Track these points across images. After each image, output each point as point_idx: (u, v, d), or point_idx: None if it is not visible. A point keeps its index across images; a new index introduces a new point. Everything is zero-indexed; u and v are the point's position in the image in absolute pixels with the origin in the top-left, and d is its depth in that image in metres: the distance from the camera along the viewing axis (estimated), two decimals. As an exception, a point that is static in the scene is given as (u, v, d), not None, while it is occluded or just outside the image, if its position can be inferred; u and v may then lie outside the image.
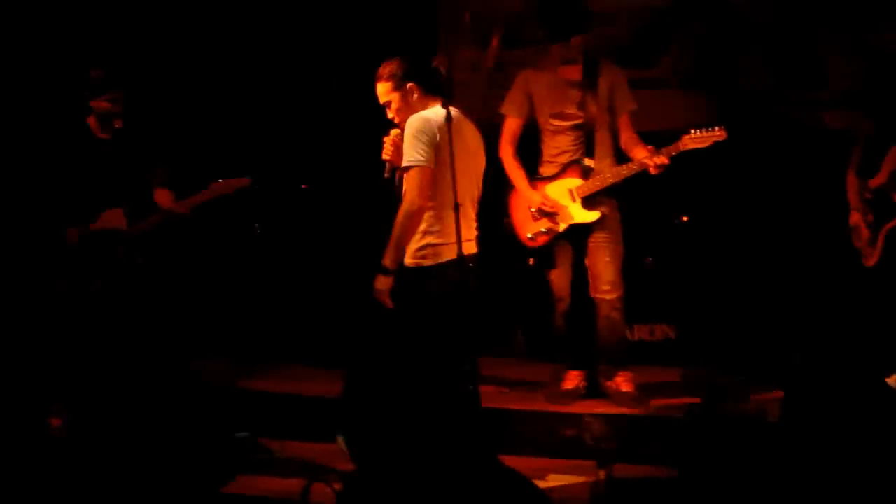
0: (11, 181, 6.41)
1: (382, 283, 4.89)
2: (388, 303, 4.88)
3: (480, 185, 5.15)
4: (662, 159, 5.59)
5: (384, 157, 5.13)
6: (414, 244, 4.94)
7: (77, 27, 7.10)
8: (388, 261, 4.88)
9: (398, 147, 5.05)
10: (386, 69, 5.08)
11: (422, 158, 4.83)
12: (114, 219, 6.02)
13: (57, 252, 5.95)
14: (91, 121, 6.04)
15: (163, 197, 6.10)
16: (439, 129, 4.85)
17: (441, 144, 4.82)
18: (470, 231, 5.05)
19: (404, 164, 4.87)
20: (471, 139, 5.08)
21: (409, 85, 5.07)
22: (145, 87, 6.59)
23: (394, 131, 5.12)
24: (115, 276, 6.00)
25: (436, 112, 4.90)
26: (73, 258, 5.94)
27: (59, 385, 6.03)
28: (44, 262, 6.01)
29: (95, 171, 5.99)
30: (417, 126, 4.89)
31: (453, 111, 4.88)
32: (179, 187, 6.13)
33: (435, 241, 4.92)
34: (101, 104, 5.98)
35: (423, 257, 4.94)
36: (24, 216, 6.17)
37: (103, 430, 5.76)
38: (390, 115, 5.12)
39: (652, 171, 5.63)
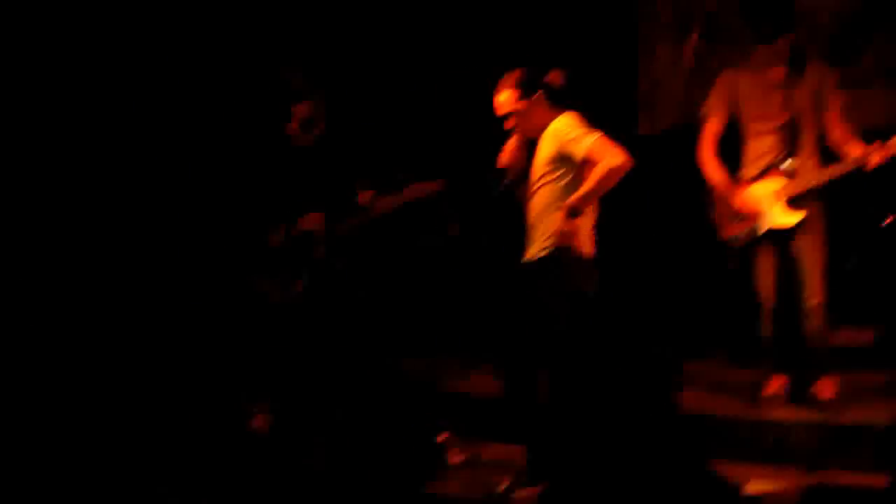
0: (216, 185, 6.62)
1: (569, 225, 5.00)
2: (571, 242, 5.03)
3: None
4: (884, 156, 5.42)
5: (503, 164, 5.21)
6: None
7: (277, 35, 7.27)
8: (581, 205, 5.00)
9: (517, 154, 5.18)
10: (512, 78, 5.21)
11: (596, 132, 5.01)
12: (315, 221, 6.15)
13: (261, 255, 6.12)
14: (292, 125, 6.19)
15: (366, 198, 6.22)
16: None
17: None
18: None
19: (585, 143, 4.99)
20: None
21: (537, 94, 5.18)
22: (345, 92, 6.70)
23: (513, 139, 5.24)
24: (316, 278, 6.13)
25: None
26: (277, 261, 6.09)
27: (262, 385, 6.21)
28: (248, 265, 6.18)
29: (296, 174, 6.14)
30: (574, 121, 5.11)
31: None
32: (380, 189, 6.25)
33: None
34: (302, 109, 6.12)
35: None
36: (229, 221, 6.35)
37: (306, 430, 5.93)
38: (511, 124, 5.24)
39: (868, 168, 5.47)
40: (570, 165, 5.12)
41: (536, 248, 5.23)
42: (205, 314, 6.77)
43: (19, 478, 5.27)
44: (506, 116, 5.24)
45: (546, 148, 5.19)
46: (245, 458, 5.70)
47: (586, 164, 5.05)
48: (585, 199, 4.99)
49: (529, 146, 5.32)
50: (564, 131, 5.10)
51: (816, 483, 5.23)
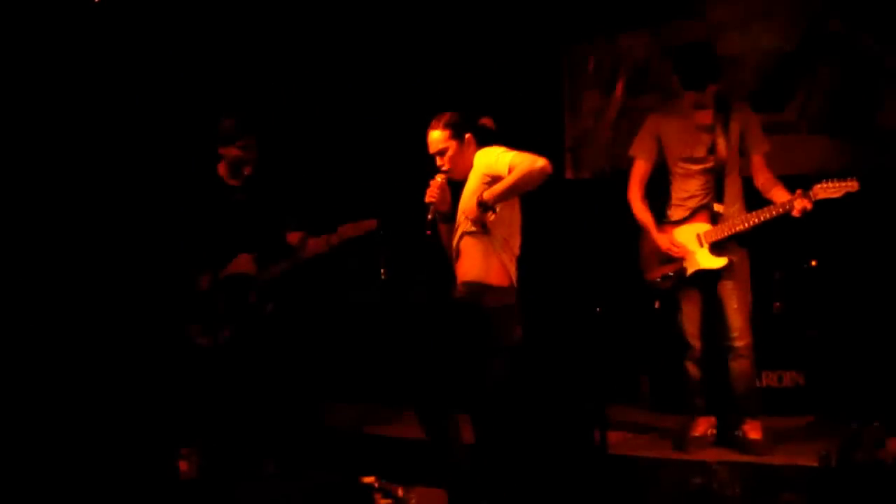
0: (144, 228, 6.55)
1: (483, 218, 5.09)
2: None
3: None
4: (807, 203, 5.49)
5: (428, 199, 5.28)
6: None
7: (206, 77, 7.25)
8: (492, 198, 5.05)
9: (443, 191, 5.30)
10: (444, 119, 5.33)
11: (510, 151, 5.12)
12: (244, 264, 6.10)
13: (189, 298, 6.05)
14: (221, 168, 6.12)
15: (295, 239, 6.18)
16: None
17: None
18: None
19: (508, 157, 5.07)
20: None
21: (467, 135, 5.31)
22: (274, 134, 6.68)
23: (440, 176, 5.32)
24: (245, 321, 6.07)
25: None
26: (205, 304, 6.02)
27: (190, 429, 6.13)
28: (176, 309, 6.11)
29: (225, 217, 6.08)
30: (492, 148, 5.22)
31: None
32: (310, 231, 6.22)
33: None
34: (232, 152, 6.07)
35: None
36: (156, 262, 6.28)
37: (233, 474, 5.85)
38: (440, 163, 5.33)
39: (795, 214, 5.53)
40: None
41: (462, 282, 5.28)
42: (134, 357, 6.67)
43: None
44: (437, 154, 5.32)
45: (474, 180, 5.26)
46: (173, 501, 5.61)
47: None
48: (501, 194, 5.05)
49: (454, 187, 5.38)
50: (487, 158, 5.20)
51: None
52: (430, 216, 5.28)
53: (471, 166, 5.31)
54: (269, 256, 6.12)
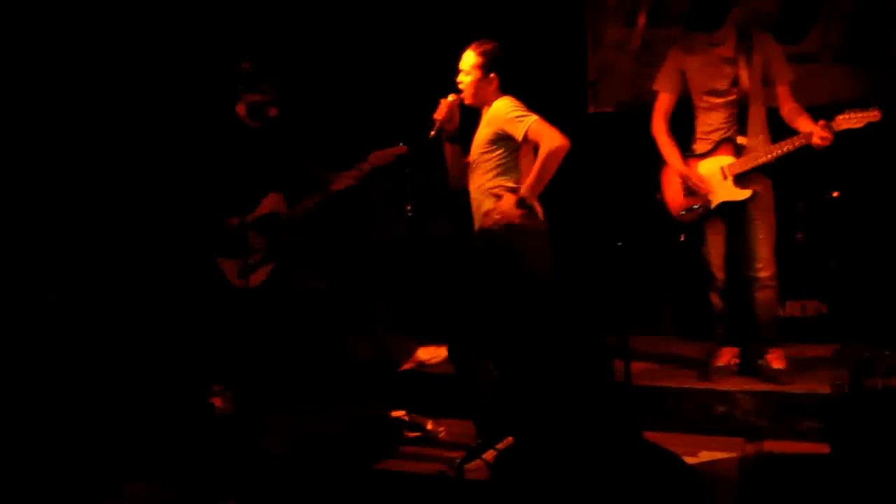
0: (169, 174, 6.60)
1: (519, 212, 5.20)
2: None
3: None
4: (827, 133, 5.49)
5: (436, 116, 5.40)
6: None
7: (226, 21, 7.26)
8: (531, 195, 5.20)
9: (452, 111, 5.42)
10: (485, 47, 5.41)
11: (533, 115, 5.21)
12: (274, 203, 6.16)
13: (220, 240, 6.11)
14: (240, 110, 6.16)
15: (324, 174, 6.23)
16: None
17: None
18: None
19: (525, 123, 5.19)
20: None
21: (493, 74, 5.38)
22: (294, 73, 6.71)
23: (452, 95, 5.43)
24: (278, 259, 6.14)
25: None
26: (237, 245, 6.10)
27: (222, 367, 6.21)
28: (207, 250, 6.17)
29: (250, 159, 6.13)
30: (514, 103, 5.30)
31: None
32: (335, 167, 6.27)
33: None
34: (254, 96, 6.11)
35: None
36: (185, 207, 6.33)
37: (264, 410, 5.94)
38: (461, 82, 5.44)
39: (816, 145, 5.55)
40: (510, 145, 5.32)
41: (484, 225, 5.36)
42: (166, 298, 6.75)
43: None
44: (461, 72, 5.43)
45: (486, 128, 5.38)
46: (206, 438, 5.70)
47: (524, 144, 5.25)
48: (534, 186, 5.19)
49: (465, 113, 5.51)
50: (504, 112, 5.28)
51: (761, 451, 5.33)
52: (432, 132, 5.38)
53: (484, 101, 5.42)
54: (297, 194, 6.18)
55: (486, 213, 5.33)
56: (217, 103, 6.27)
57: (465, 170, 5.53)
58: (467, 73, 5.39)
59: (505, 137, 5.27)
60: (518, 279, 5.23)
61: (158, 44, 7.07)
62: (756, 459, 5.16)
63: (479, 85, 5.38)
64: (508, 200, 5.22)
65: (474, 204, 5.46)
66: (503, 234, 5.24)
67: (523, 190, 5.21)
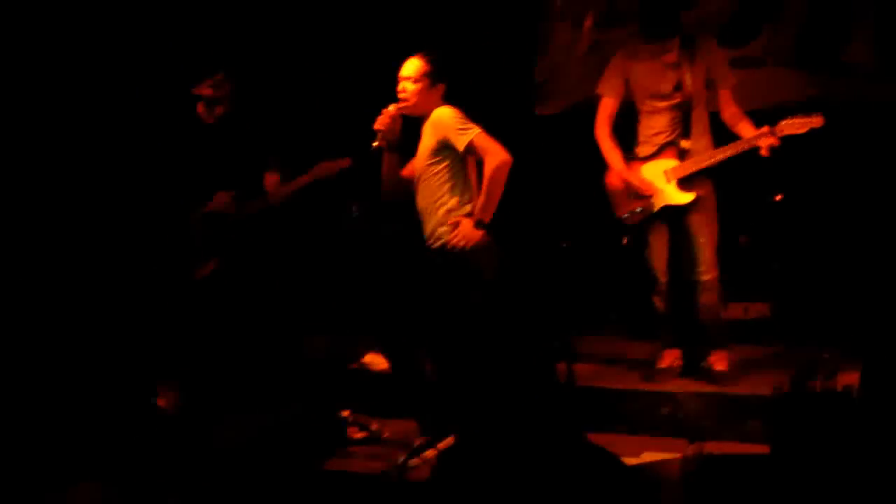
0: (127, 169, 6.57)
1: (477, 234, 5.20)
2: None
3: None
4: (773, 141, 5.55)
5: (377, 126, 5.34)
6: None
7: (184, 16, 7.23)
8: (486, 215, 5.21)
9: (395, 121, 5.37)
10: (433, 55, 5.38)
11: (476, 127, 5.19)
12: (222, 201, 6.15)
13: (172, 235, 6.10)
14: (199, 108, 6.17)
15: (270, 182, 6.24)
16: None
17: None
18: None
19: (468, 135, 5.18)
20: None
21: (441, 83, 5.36)
22: (252, 73, 6.70)
23: (393, 106, 5.36)
24: (223, 256, 6.14)
25: None
26: (188, 241, 6.09)
27: (170, 364, 6.20)
28: (159, 245, 6.16)
29: (203, 156, 6.13)
30: (457, 113, 5.26)
31: None
32: (288, 171, 6.26)
33: None
34: (204, 91, 6.12)
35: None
36: (142, 201, 6.31)
37: (211, 408, 5.93)
38: (402, 90, 5.36)
39: (763, 153, 5.60)
40: (453, 155, 5.30)
41: (434, 237, 5.38)
42: (114, 293, 6.71)
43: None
44: (405, 80, 5.36)
45: (429, 138, 5.35)
46: (151, 436, 5.68)
47: (467, 155, 5.26)
48: (487, 206, 5.21)
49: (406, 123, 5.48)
50: (447, 121, 5.26)
51: (702, 452, 5.38)
52: (375, 143, 5.36)
53: (425, 108, 5.36)
54: (246, 195, 6.17)
55: (440, 235, 5.34)
56: (176, 99, 6.26)
57: (400, 180, 5.52)
58: (414, 82, 5.32)
59: (448, 146, 5.25)
60: (478, 293, 5.25)
61: (119, 40, 7.03)
62: (697, 460, 5.21)
63: (425, 94, 5.34)
64: (467, 226, 5.23)
65: (424, 216, 5.45)
66: (465, 253, 5.25)
67: (478, 212, 5.23)
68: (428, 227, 5.43)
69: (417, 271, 5.43)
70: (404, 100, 5.35)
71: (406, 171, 5.54)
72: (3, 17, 6.53)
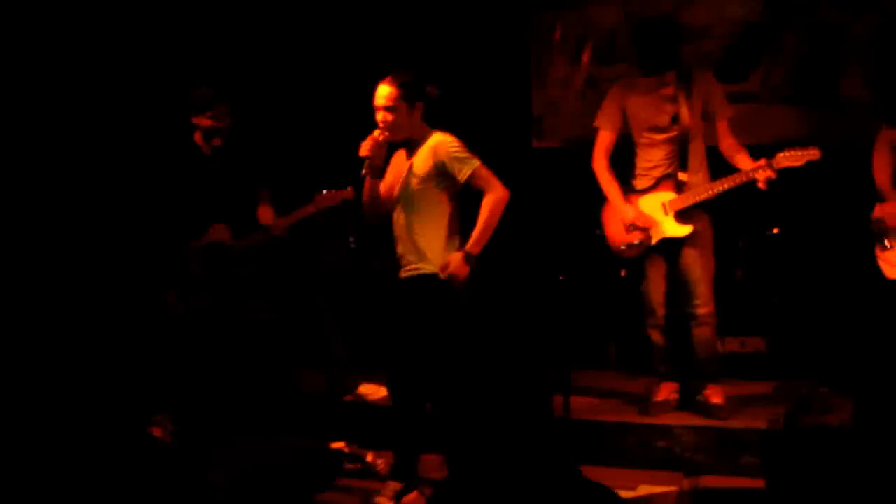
0: (123, 197, 6.57)
1: (465, 269, 5.21)
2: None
3: None
4: (770, 173, 5.55)
5: (363, 153, 5.27)
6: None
7: (183, 45, 7.24)
8: (477, 248, 5.21)
9: (381, 148, 5.28)
10: (404, 77, 5.28)
11: (476, 158, 5.21)
12: (220, 233, 6.15)
13: (166, 265, 6.10)
14: (197, 137, 6.18)
15: (265, 214, 6.24)
16: None
17: None
18: None
19: (470, 166, 5.20)
20: None
21: (419, 104, 5.30)
22: (249, 104, 6.70)
23: (379, 133, 5.25)
24: (220, 289, 6.13)
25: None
26: (181, 271, 6.09)
27: (164, 395, 6.18)
28: (154, 276, 6.16)
29: (200, 186, 6.14)
30: (458, 142, 5.28)
31: None
32: (282, 203, 6.26)
33: None
34: (204, 121, 6.13)
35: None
36: (137, 230, 6.31)
37: (206, 441, 5.91)
38: (382, 119, 5.27)
39: (760, 185, 5.61)
40: (446, 183, 5.29)
41: (422, 265, 5.36)
42: (109, 324, 6.70)
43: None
44: (382, 109, 5.26)
45: (423, 161, 5.31)
46: (146, 469, 5.65)
47: (463, 185, 5.27)
48: (480, 240, 5.22)
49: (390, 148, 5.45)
50: (447, 147, 5.25)
51: (698, 486, 5.36)
52: (364, 171, 5.32)
53: (409, 132, 5.33)
54: (243, 227, 6.17)
55: (410, 262, 5.36)
56: (174, 127, 6.27)
57: (381, 202, 5.48)
58: (391, 109, 5.23)
59: (444, 173, 5.24)
60: (452, 313, 5.25)
61: (121, 65, 7.04)
62: (693, 493, 5.20)
63: (405, 118, 5.26)
64: (457, 261, 5.22)
65: (399, 237, 5.43)
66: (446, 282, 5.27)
67: (470, 245, 5.21)
68: (400, 248, 5.41)
69: (407, 305, 5.41)
70: (386, 128, 5.26)
71: (383, 190, 5.53)
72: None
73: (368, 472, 5.87)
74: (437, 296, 5.25)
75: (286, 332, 6.78)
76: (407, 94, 5.24)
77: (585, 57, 7.57)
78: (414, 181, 5.32)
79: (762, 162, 5.61)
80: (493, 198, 5.16)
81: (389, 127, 5.26)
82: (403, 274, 5.40)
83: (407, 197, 5.36)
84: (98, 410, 6.18)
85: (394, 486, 5.42)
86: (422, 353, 5.31)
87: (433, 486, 5.12)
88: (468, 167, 5.19)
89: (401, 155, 5.47)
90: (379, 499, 5.39)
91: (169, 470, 5.62)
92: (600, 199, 6.07)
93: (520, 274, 6.73)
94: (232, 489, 5.32)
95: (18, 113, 6.63)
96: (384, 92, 5.24)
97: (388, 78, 5.27)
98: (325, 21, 7.72)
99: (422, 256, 5.31)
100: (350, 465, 5.94)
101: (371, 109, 5.29)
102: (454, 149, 5.24)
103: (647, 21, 6.04)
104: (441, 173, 5.25)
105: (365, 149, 5.26)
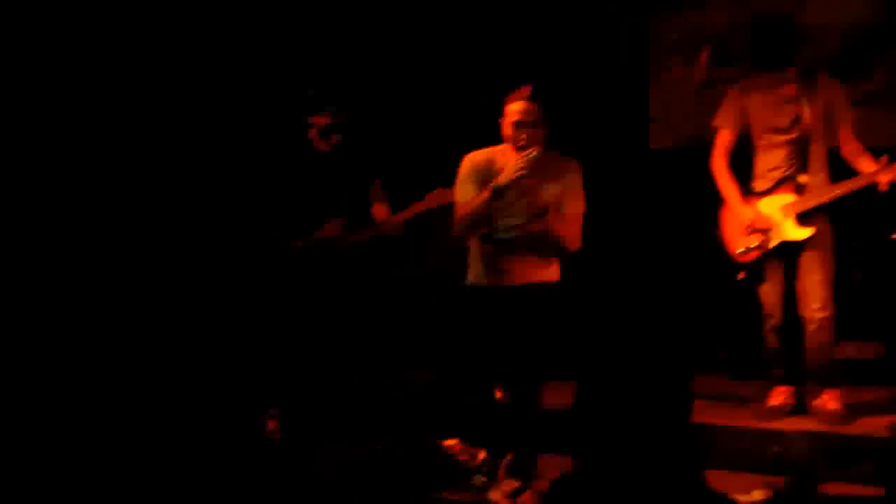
0: (239, 193, 6.68)
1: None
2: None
3: None
4: (894, 175, 5.47)
5: (517, 174, 5.15)
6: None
7: (299, 45, 7.34)
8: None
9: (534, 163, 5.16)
10: (537, 93, 5.22)
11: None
12: (333, 230, 6.21)
13: (280, 261, 6.18)
14: (311, 134, 6.26)
15: (379, 211, 6.29)
16: None
17: None
18: None
19: (576, 211, 5.29)
20: None
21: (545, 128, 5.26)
22: (366, 103, 6.77)
23: (530, 150, 5.12)
24: (333, 285, 6.20)
25: None
26: (295, 267, 6.17)
27: (275, 389, 6.26)
28: (267, 271, 6.24)
29: (314, 183, 6.21)
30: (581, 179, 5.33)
31: None
32: (396, 200, 6.31)
33: None
34: (320, 120, 6.19)
35: None
36: (251, 226, 6.41)
37: (318, 435, 5.96)
38: (524, 135, 5.17)
39: (882, 187, 5.53)
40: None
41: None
42: (221, 319, 6.81)
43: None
44: (526, 125, 5.17)
45: (553, 183, 5.33)
46: (257, 463, 5.73)
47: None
48: (507, 178, 5.15)
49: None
50: (577, 180, 5.36)
51: (815, 493, 5.29)
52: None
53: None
54: (356, 223, 6.23)
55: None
56: (288, 126, 6.35)
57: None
58: (537, 126, 5.18)
59: (559, 203, 5.30)
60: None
61: (231, 68, 7.16)
62: (814, 501, 5.13)
63: (542, 127, 5.22)
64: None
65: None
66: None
67: (501, 178, 5.18)
68: (520, 255, 5.38)
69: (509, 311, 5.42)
70: (531, 146, 5.14)
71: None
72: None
73: (481, 470, 5.88)
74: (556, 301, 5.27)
75: (395, 329, 6.81)
76: (546, 109, 5.21)
77: (703, 57, 7.52)
78: (538, 201, 5.34)
79: (883, 160, 5.52)
80: (568, 245, 5.28)
81: (534, 146, 5.15)
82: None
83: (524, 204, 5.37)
84: (213, 405, 6.30)
85: (509, 484, 5.42)
86: (543, 355, 5.32)
87: (549, 485, 5.11)
88: (579, 207, 5.34)
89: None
90: (493, 496, 5.40)
91: (279, 463, 5.69)
92: (717, 200, 6.03)
93: (637, 277, 6.70)
94: (343, 484, 5.36)
95: (118, 112, 6.79)
96: (529, 108, 5.17)
97: (529, 93, 5.19)
98: (441, 23, 7.76)
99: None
100: (463, 463, 5.94)
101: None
102: (579, 182, 5.36)
103: (766, 17, 5.98)
104: (557, 196, 5.31)
105: (522, 168, 5.11)
